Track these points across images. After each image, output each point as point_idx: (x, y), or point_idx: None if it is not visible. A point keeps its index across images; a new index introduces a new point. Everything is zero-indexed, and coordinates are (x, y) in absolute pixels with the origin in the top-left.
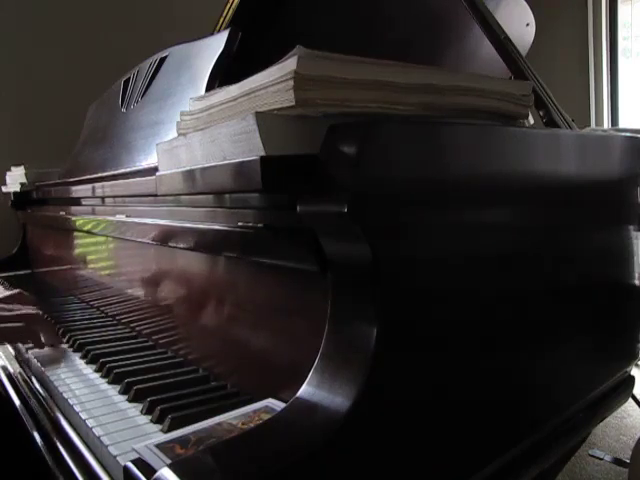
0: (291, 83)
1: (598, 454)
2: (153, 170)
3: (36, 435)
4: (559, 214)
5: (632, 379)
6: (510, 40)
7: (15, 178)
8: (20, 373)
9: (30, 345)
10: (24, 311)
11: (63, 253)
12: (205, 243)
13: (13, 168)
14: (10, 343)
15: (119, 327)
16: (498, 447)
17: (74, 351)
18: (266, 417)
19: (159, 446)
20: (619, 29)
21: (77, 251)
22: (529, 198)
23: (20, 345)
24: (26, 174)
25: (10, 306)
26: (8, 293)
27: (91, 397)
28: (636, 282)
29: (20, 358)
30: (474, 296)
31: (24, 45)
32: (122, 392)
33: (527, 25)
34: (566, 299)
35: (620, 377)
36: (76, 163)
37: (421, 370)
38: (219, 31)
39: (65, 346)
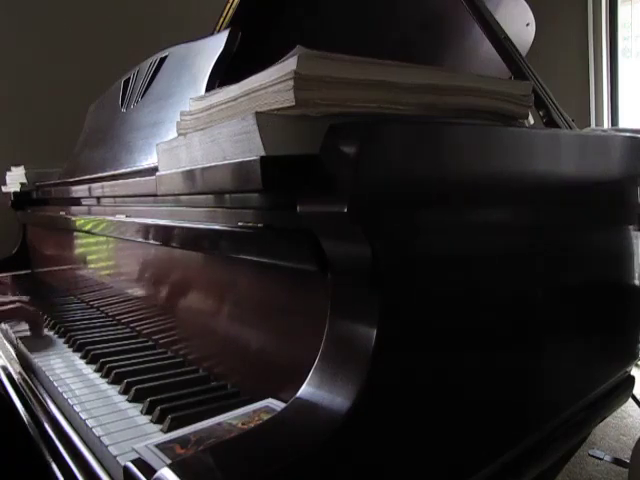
0: (291, 83)
1: (598, 454)
2: (153, 170)
3: (36, 435)
4: (559, 214)
5: (632, 379)
6: (510, 40)
7: (15, 178)
8: (20, 373)
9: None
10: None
11: (63, 253)
12: (205, 243)
13: (13, 168)
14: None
15: (119, 327)
16: (498, 447)
17: (74, 351)
18: (266, 417)
19: (159, 446)
20: (619, 29)
21: (77, 251)
22: (529, 198)
23: (20, 345)
24: (26, 174)
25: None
26: None
27: (91, 397)
28: (636, 282)
29: (20, 357)
30: (474, 296)
31: (24, 45)
32: (122, 392)
33: (527, 25)
34: (566, 299)
35: (620, 377)
36: (76, 163)
37: (421, 370)
38: (219, 31)
39: (65, 346)
